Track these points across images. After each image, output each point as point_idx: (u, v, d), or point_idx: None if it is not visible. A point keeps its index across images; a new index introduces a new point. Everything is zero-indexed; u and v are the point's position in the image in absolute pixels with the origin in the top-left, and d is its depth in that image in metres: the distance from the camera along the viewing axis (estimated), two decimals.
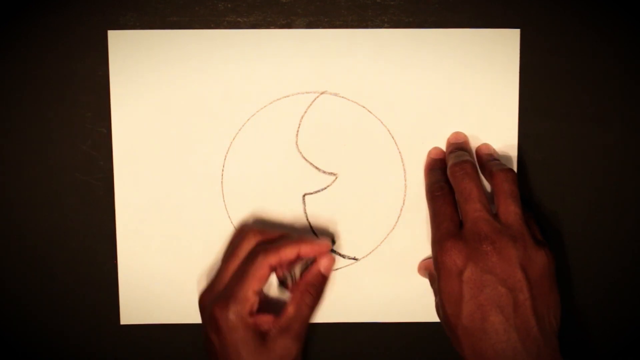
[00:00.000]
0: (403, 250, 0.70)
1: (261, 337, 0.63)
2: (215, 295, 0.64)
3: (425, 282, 0.70)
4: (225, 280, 0.65)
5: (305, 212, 0.70)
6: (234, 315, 0.63)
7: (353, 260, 0.71)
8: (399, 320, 0.71)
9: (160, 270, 0.70)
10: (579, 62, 0.69)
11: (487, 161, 0.67)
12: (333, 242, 0.70)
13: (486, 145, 0.69)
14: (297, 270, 0.67)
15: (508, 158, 0.70)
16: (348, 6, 0.69)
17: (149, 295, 0.70)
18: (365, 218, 0.70)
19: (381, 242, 0.71)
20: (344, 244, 0.70)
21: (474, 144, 0.70)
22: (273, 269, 0.65)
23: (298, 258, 0.66)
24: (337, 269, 0.71)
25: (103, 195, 0.70)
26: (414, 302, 0.70)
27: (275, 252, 0.64)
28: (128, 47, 0.69)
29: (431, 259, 0.69)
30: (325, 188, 0.70)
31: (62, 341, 0.71)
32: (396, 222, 0.70)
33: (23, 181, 0.69)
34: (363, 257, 0.71)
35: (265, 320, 0.64)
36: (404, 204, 0.70)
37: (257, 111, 0.70)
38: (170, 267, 0.70)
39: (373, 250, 0.71)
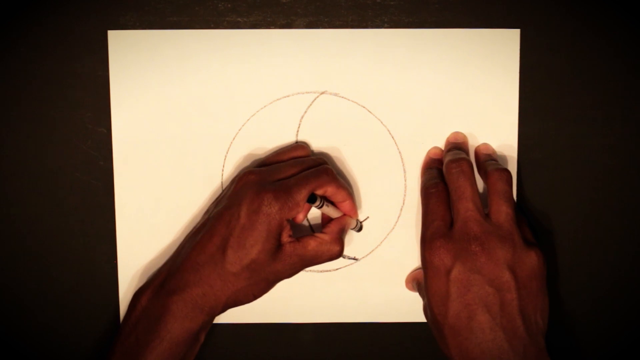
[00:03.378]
0: (403, 250, 0.70)
1: (280, 246, 0.64)
2: (269, 182, 0.64)
3: None
4: (281, 175, 0.65)
5: None
6: (280, 210, 0.63)
7: (353, 260, 0.71)
8: (398, 321, 0.71)
9: None
10: (579, 62, 0.69)
11: (484, 161, 0.67)
12: (361, 227, 0.70)
13: (485, 145, 0.69)
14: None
15: (508, 158, 0.70)
16: (348, 6, 0.69)
17: None
18: (365, 218, 0.70)
19: (381, 242, 0.71)
20: (344, 244, 0.70)
21: (473, 143, 0.70)
22: (324, 193, 0.66)
23: (335, 204, 0.67)
24: (337, 269, 0.71)
25: (103, 195, 0.70)
26: (414, 302, 0.70)
27: (336, 184, 0.66)
28: (128, 47, 0.69)
29: (417, 271, 0.69)
30: None
31: (62, 341, 0.71)
32: (396, 222, 0.70)
33: (23, 181, 0.69)
34: (363, 257, 0.71)
35: (287, 231, 0.64)
36: (404, 204, 0.70)
37: (257, 111, 0.70)
38: None
39: (373, 250, 0.71)
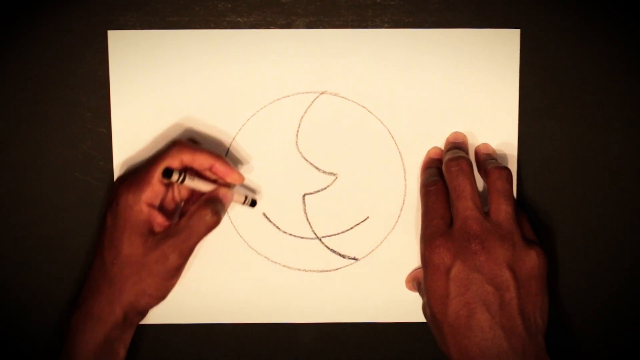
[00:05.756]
0: (403, 250, 0.70)
1: (152, 234, 0.63)
2: (125, 179, 0.65)
3: None
4: (138, 170, 0.66)
5: (305, 212, 0.70)
6: (133, 196, 0.63)
7: (353, 260, 0.71)
8: (398, 321, 0.71)
9: None
10: (579, 62, 0.69)
11: (484, 160, 0.67)
12: (253, 202, 0.69)
13: (485, 144, 0.69)
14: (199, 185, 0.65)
15: (508, 158, 0.70)
16: (348, 6, 0.69)
17: None
18: (365, 218, 0.70)
19: (381, 242, 0.71)
20: (344, 244, 0.71)
21: (473, 143, 0.70)
22: (183, 166, 0.64)
23: (209, 172, 0.65)
24: (337, 269, 0.71)
25: (103, 195, 0.70)
26: (414, 302, 0.70)
27: (191, 151, 0.64)
28: (128, 47, 0.69)
29: (417, 271, 0.69)
30: (325, 188, 0.70)
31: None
32: (396, 222, 0.70)
33: (23, 181, 0.69)
34: (363, 257, 0.71)
35: (160, 221, 0.64)
36: (404, 203, 0.70)
37: (257, 111, 0.70)
38: None
39: (373, 250, 0.71)
